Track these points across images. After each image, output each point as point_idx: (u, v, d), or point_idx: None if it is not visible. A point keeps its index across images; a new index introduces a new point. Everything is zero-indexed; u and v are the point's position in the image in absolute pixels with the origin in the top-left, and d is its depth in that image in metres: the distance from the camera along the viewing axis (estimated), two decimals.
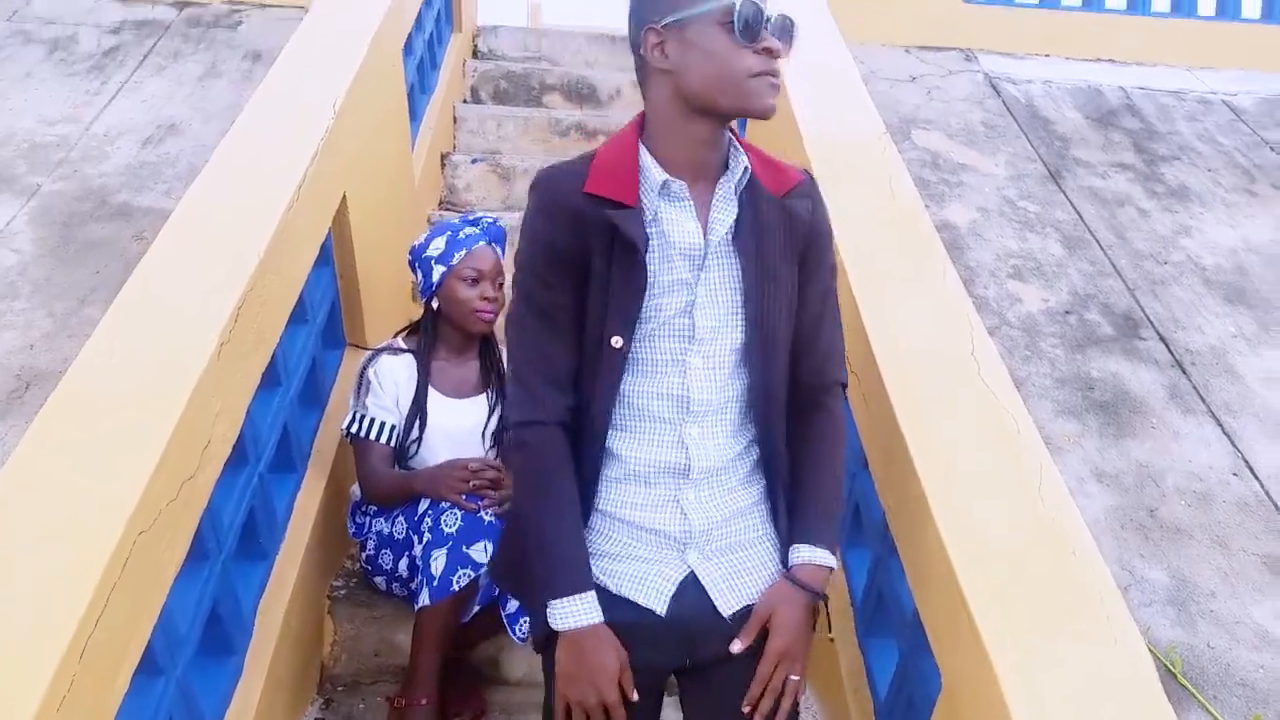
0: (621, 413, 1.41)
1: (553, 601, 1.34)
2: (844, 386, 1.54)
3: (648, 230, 1.36)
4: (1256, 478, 2.96)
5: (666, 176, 1.37)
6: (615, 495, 1.43)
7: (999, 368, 1.84)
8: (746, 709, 1.40)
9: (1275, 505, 2.87)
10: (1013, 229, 3.97)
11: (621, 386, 1.40)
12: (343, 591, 2.32)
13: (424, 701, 1.98)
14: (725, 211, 1.40)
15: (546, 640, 1.40)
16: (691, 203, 1.39)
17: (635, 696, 1.37)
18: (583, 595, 1.34)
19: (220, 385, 1.69)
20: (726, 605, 1.41)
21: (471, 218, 2.33)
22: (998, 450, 1.65)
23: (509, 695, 2.23)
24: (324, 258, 2.45)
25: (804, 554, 1.43)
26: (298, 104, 2.38)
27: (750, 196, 1.41)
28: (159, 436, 1.48)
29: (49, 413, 1.51)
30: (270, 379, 2.07)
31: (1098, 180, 4.35)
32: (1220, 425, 3.15)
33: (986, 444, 1.66)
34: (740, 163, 1.41)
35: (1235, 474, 2.97)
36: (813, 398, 1.50)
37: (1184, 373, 3.35)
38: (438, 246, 2.25)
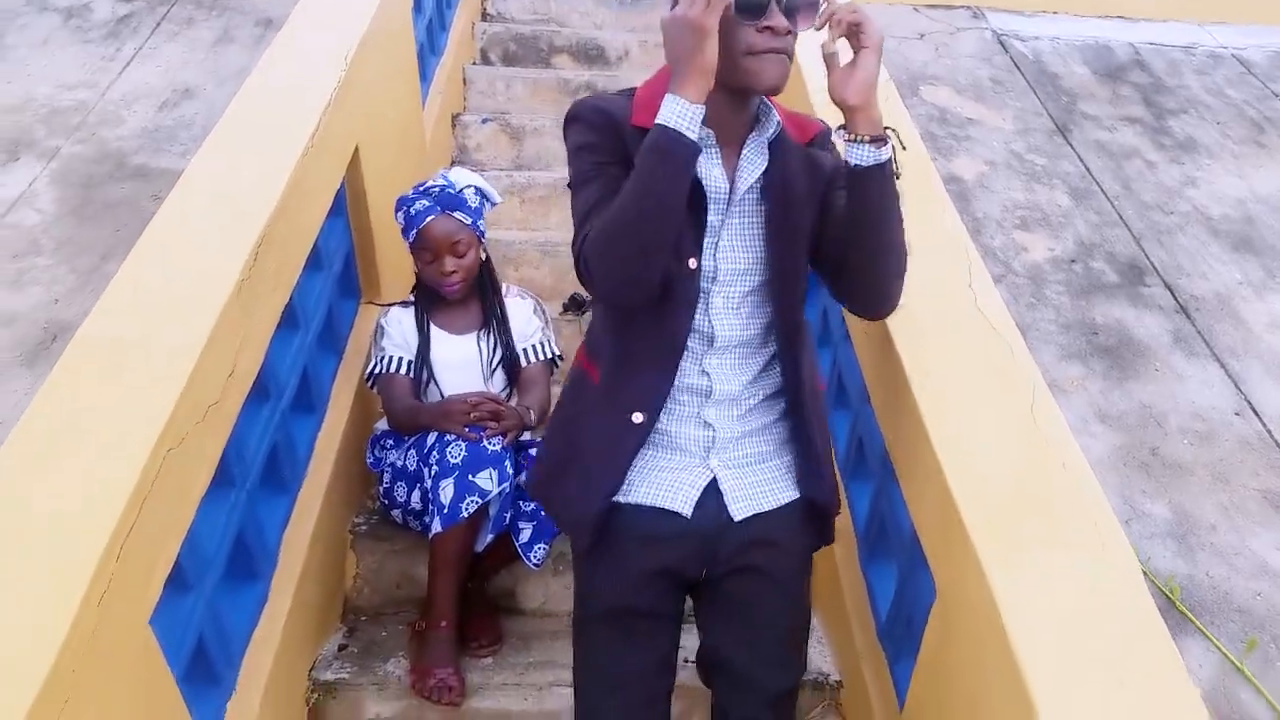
0: None
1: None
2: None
3: None
4: (1259, 417, 3.00)
5: None
6: None
7: (995, 297, 1.89)
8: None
9: (1277, 443, 2.91)
10: (1020, 181, 3.99)
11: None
12: (364, 527, 2.39)
13: (444, 624, 2.06)
14: (755, 163, 1.44)
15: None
16: (718, 150, 1.43)
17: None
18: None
19: (242, 318, 1.76)
20: (739, 510, 1.51)
21: (424, 185, 2.27)
22: (992, 372, 1.71)
23: (525, 624, 2.30)
24: (338, 209, 2.50)
25: None
26: (310, 55, 2.43)
27: (779, 148, 1.45)
28: (185, 362, 1.55)
29: (78, 342, 1.58)
30: (289, 321, 2.14)
31: (1105, 134, 4.35)
32: (1224, 368, 3.18)
33: (981, 367, 1.72)
34: (772, 119, 1.45)
35: (1238, 414, 3.01)
36: None
37: (1188, 318, 3.38)
38: (399, 221, 2.27)
